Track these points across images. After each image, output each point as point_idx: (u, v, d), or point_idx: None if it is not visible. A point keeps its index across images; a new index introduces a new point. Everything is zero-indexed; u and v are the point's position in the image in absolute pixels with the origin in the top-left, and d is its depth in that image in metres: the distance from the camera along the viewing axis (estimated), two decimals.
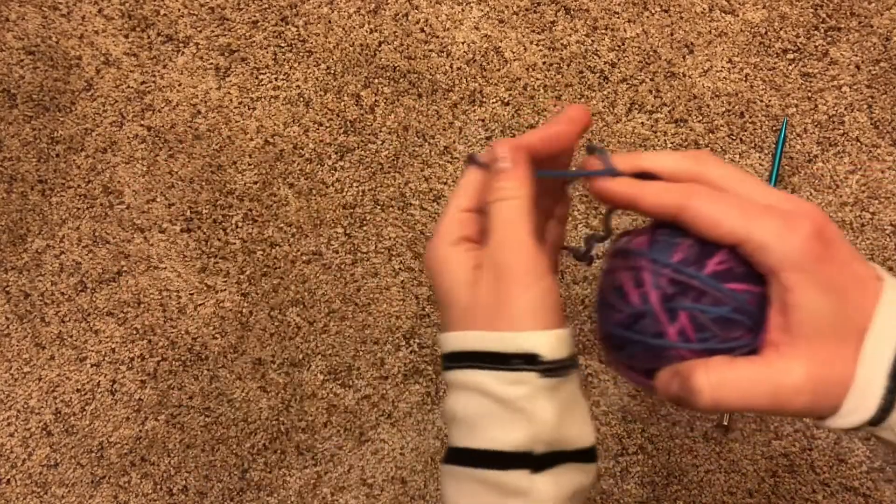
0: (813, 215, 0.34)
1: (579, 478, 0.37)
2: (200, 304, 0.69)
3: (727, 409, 0.35)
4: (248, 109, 0.71)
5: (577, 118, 0.40)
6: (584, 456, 0.37)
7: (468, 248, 0.38)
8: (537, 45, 0.71)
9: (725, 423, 0.65)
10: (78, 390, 0.68)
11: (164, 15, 0.73)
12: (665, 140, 0.69)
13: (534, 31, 0.71)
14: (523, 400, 0.35)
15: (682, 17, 0.71)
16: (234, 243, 0.69)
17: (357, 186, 0.70)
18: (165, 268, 0.70)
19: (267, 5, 0.73)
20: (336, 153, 0.70)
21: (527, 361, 0.35)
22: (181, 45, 0.72)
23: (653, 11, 0.71)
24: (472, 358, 0.36)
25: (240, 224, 0.69)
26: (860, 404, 0.34)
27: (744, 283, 0.35)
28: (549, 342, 0.36)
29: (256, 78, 0.72)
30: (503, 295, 0.36)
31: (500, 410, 0.36)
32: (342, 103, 0.71)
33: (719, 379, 0.34)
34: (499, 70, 0.71)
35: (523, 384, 0.35)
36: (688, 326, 0.35)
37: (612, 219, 0.42)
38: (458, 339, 0.37)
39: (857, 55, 0.70)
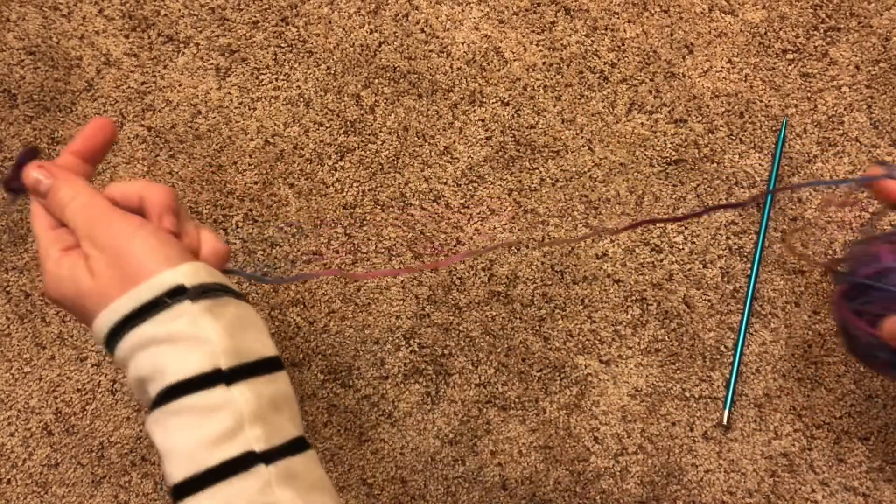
0: None
1: (274, 385, 0.40)
2: None
3: None
4: (249, 110, 0.71)
5: (99, 129, 0.45)
6: (271, 365, 0.41)
7: (75, 253, 0.42)
8: (537, 45, 0.71)
9: (725, 423, 0.65)
10: (78, 390, 0.68)
11: (165, 15, 0.73)
12: (665, 140, 0.69)
13: (534, 32, 0.71)
14: (188, 327, 0.38)
15: (681, 18, 0.71)
16: (235, 243, 0.69)
17: (357, 186, 0.70)
18: None
19: (267, 6, 0.73)
20: (336, 153, 0.71)
21: (175, 294, 0.39)
22: (181, 45, 0.72)
23: (653, 12, 0.71)
24: (129, 320, 0.39)
25: (240, 224, 0.70)
26: None
27: None
28: (187, 272, 0.40)
29: (257, 78, 0.72)
30: (121, 256, 0.39)
31: (173, 347, 0.38)
32: (342, 103, 0.71)
33: None
34: (499, 70, 0.71)
35: (182, 315, 0.38)
36: None
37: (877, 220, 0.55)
38: (110, 314, 0.39)
39: (856, 55, 0.70)
